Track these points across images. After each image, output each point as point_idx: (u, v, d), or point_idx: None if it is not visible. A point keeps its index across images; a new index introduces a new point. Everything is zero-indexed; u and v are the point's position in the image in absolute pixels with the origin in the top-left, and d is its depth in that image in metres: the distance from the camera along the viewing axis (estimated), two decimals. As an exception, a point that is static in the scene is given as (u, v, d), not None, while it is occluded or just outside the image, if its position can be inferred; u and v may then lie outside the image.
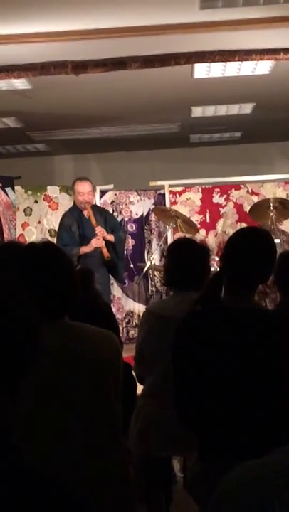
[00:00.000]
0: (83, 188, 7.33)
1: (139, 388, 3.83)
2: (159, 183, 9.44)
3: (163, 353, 3.22)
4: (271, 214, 7.83)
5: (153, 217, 9.59)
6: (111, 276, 8.04)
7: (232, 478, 1.03)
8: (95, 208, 7.51)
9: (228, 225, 9.34)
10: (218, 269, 2.84)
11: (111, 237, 7.27)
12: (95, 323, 2.57)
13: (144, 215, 9.71)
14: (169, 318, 3.18)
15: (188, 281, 3.43)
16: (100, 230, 7.14)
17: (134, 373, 3.84)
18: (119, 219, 9.56)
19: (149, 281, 9.28)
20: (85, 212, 7.34)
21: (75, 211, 7.45)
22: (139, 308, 9.49)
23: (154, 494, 3.86)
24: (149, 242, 9.70)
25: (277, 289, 3.96)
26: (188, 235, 8.44)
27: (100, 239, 7.11)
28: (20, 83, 7.05)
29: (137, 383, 3.94)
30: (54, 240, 7.96)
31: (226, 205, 9.42)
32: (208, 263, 3.63)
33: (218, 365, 2.50)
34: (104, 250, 7.15)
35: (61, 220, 7.57)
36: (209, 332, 2.60)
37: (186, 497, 2.95)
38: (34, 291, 2.27)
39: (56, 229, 8.07)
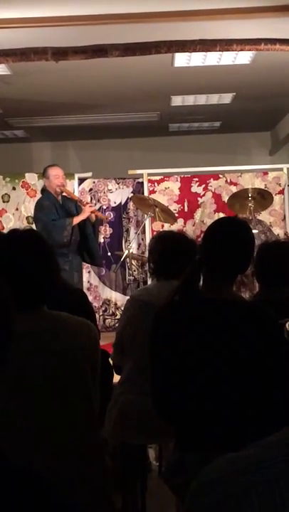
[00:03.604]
0: (58, 171, 7.23)
1: (116, 377, 3.83)
2: (138, 171, 9.43)
3: (142, 340, 3.22)
4: (249, 204, 7.85)
5: (131, 205, 9.58)
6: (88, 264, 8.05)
7: (210, 470, 1.03)
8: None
9: (206, 215, 9.35)
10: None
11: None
12: (69, 309, 2.56)
13: (123, 203, 9.70)
14: (151, 305, 3.18)
15: (175, 270, 3.42)
16: (87, 201, 7.15)
17: (111, 362, 3.84)
18: (97, 207, 9.55)
19: (127, 270, 9.27)
20: (58, 198, 7.24)
21: (50, 197, 7.25)
22: (116, 296, 9.50)
23: (129, 482, 3.87)
24: (127, 230, 9.69)
25: (256, 279, 3.97)
26: (166, 225, 8.46)
27: (90, 203, 7.13)
28: (-1, 69, 7.01)
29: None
30: (32, 227, 7.88)
31: (204, 195, 9.42)
32: (194, 254, 3.62)
33: (195, 355, 2.51)
34: (99, 213, 7.16)
35: (40, 204, 7.32)
36: (187, 322, 2.60)
37: (161, 485, 2.96)
38: (13, 279, 2.27)
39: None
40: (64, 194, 7.27)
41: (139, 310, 3.53)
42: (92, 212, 7.15)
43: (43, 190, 7.44)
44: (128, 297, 4.75)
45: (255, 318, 2.53)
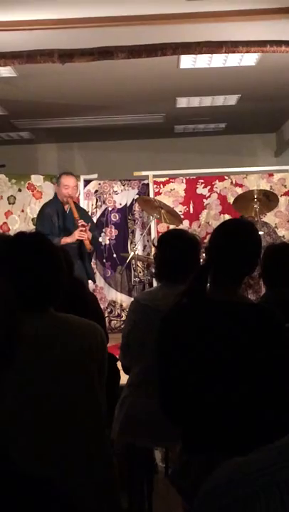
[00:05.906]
0: (69, 181, 7.36)
1: (124, 378, 3.84)
2: (143, 173, 9.44)
3: (149, 344, 3.23)
4: (255, 206, 7.84)
5: (137, 207, 9.59)
6: (94, 266, 8.04)
7: (219, 473, 1.04)
8: (74, 204, 7.48)
9: (211, 216, 9.36)
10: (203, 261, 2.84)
11: (89, 235, 7.24)
12: (80, 313, 2.57)
13: (128, 205, 9.71)
14: (156, 309, 3.19)
15: (178, 273, 3.41)
16: (82, 223, 7.13)
17: (119, 363, 3.84)
18: (102, 208, 9.56)
19: (132, 272, 9.28)
20: (66, 207, 7.35)
21: (56, 203, 7.44)
22: (122, 298, 9.51)
23: (136, 483, 3.87)
24: (133, 232, 9.70)
25: (262, 281, 3.97)
26: (171, 226, 8.46)
27: (82, 231, 7.10)
28: (5, 71, 7.02)
29: (122, 373, 3.95)
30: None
31: (209, 197, 9.43)
32: (197, 255, 3.61)
33: (203, 358, 2.51)
34: (87, 242, 7.15)
35: (42, 210, 7.54)
36: (195, 324, 2.60)
37: (167, 486, 2.97)
38: (20, 282, 2.28)
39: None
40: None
41: (143, 314, 3.53)
42: (79, 238, 7.15)
43: (55, 195, 7.62)
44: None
45: (263, 320, 2.53)
